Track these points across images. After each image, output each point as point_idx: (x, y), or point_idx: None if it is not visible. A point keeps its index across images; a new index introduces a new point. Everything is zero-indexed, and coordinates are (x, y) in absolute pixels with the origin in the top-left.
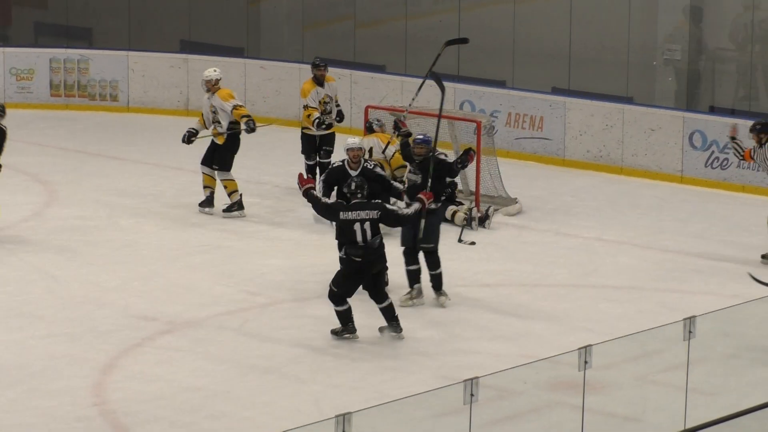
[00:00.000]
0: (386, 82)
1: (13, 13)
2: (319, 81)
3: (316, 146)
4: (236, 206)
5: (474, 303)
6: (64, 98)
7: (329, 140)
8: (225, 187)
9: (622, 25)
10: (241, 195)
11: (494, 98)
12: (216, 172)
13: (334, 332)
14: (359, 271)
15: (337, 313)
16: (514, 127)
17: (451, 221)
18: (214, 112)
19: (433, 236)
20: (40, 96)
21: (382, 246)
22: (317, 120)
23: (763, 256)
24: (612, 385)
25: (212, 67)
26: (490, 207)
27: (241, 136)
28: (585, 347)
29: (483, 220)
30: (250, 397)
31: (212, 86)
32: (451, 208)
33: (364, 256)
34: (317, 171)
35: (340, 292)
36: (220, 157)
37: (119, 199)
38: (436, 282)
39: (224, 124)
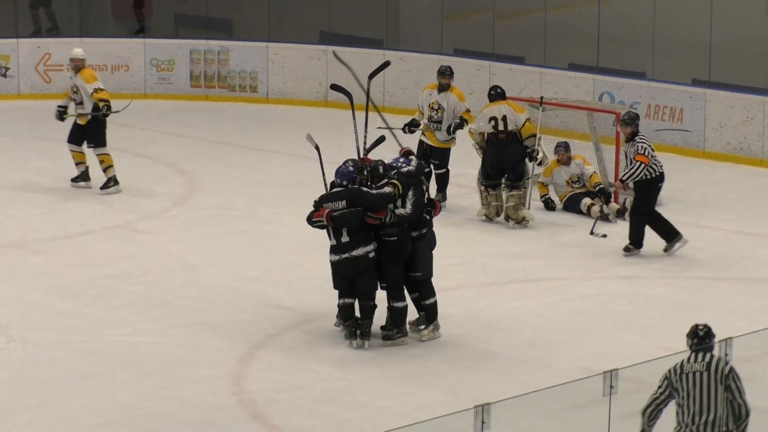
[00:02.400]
0: (525, 74)
1: (154, 4)
2: (441, 87)
3: (427, 155)
4: (112, 182)
5: (613, 295)
6: (204, 89)
7: (440, 154)
8: (101, 162)
9: (763, 15)
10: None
11: (634, 89)
12: (92, 149)
13: (388, 337)
14: (399, 250)
15: (395, 311)
16: (654, 118)
17: (587, 214)
18: (76, 92)
19: (422, 263)
20: (180, 87)
21: None
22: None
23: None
24: (752, 378)
25: (79, 47)
26: (626, 199)
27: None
28: (725, 339)
29: (621, 213)
30: (388, 387)
31: (78, 64)
32: (586, 201)
33: (399, 234)
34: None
35: (396, 283)
36: (92, 134)
37: (259, 189)
38: (431, 313)
39: (87, 104)
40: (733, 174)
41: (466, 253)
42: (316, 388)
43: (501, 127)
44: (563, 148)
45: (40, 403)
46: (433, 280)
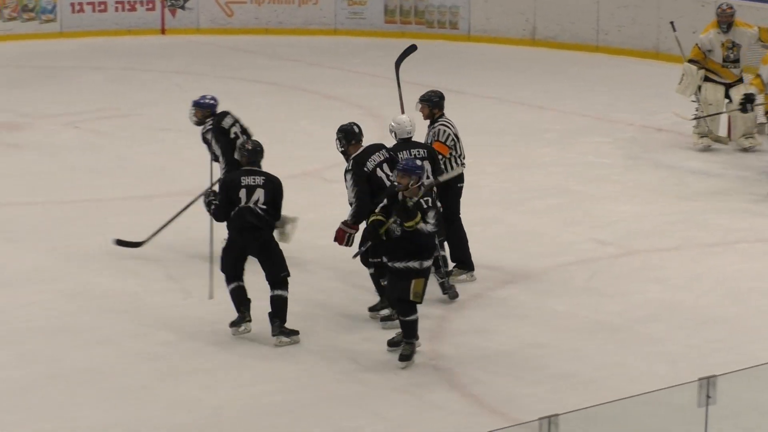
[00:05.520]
0: (755, 11)
1: None
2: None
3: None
4: None
5: None
6: (399, 25)
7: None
8: None
9: None
10: None
11: None
12: None
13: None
14: None
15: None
16: None
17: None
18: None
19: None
20: (374, 22)
21: None
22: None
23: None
24: None
25: None
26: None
27: None
28: None
29: None
30: (601, 357)
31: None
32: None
33: None
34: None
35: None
36: None
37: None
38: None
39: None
40: None
41: (686, 209)
42: (520, 354)
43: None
44: None
45: (212, 366)
46: (650, 238)
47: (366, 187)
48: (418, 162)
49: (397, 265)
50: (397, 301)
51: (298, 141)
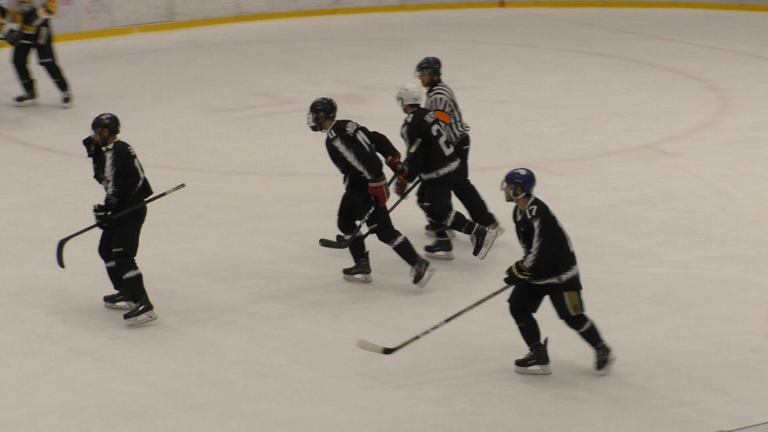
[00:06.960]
0: None
1: None
2: None
3: None
4: None
5: None
6: None
7: None
8: None
9: None
10: None
11: None
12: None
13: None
14: None
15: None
16: None
17: None
18: None
19: None
20: None
21: None
22: None
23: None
24: None
25: None
26: None
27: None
28: None
29: None
30: None
31: None
32: None
33: None
34: None
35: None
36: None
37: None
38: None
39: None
40: None
41: None
42: None
43: None
44: None
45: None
46: None
47: (359, 145)
48: (522, 171)
49: (540, 282)
50: (567, 320)
51: (638, 114)
